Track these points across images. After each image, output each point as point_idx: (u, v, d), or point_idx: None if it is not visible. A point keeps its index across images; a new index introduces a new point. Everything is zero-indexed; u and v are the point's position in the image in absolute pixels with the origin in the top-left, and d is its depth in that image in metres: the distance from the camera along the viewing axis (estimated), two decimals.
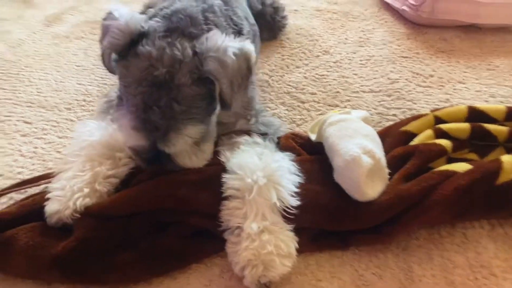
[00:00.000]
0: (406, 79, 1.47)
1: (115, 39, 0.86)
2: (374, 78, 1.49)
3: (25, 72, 1.51)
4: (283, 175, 0.89)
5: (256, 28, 1.39)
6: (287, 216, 0.87)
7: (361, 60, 1.59)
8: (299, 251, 0.88)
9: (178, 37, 0.87)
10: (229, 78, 0.85)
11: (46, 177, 0.99)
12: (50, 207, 0.87)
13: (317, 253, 0.92)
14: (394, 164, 0.98)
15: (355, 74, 1.51)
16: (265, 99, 1.39)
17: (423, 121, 1.10)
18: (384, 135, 1.09)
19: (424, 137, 1.05)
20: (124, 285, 0.85)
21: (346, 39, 1.73)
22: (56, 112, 1.32)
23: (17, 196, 1.01)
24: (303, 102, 1.38)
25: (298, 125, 1.29)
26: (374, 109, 1.34)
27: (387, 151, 1.02)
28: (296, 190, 0.89)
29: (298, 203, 0.87)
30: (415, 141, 1.04)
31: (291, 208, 0.86)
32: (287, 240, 0.84)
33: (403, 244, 0.93)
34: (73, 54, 1.61)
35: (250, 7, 1.57)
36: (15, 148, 1.18)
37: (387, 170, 0.95)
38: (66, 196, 0.87)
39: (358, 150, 0.88)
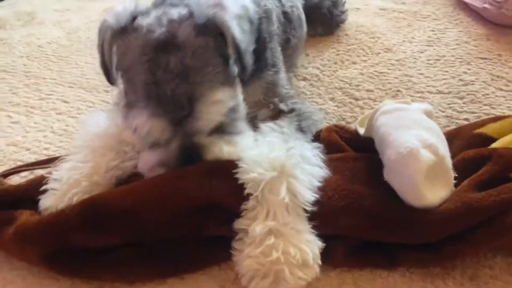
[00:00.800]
0: (484, 82, 1.25)
1: (115, 22, 0.78)
2: (444, 79, 1.28)
3: (74, 56, 1.52)
4: (298, 165, 0.74)
5: (298, 12, 1.28)
6: (322, 219, 0.71)
7: (428, 60, 1.39)
8: (334, 265, 0.72)
9: (170, 6, 0.80)
10: (237, 21, 0.76)
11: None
12: (45, 201, 0.78)
13: (356, 270, 0.74)
14: (463, 168, 0.78)
15: (421, 74, 1.32)
16: (312, 94, 1.25)
17: (506, 124, 0.89)
18: (452, 136, 0.89)
19: (506, 142, 0.84)
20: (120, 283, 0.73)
21: (412, 38, 1.54)
22: (94, 93, 1.29)
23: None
24: (356, 99, 1.22)
25: (347, 123, 1.13)
26: (442, 111, 1.14)
27: (455, 154, 0.82)
28: (317, 183, 0.73)
29: (316, 197, 0.71)
30: (493, 146, 0.83)
31: (308, 205, 0.71)
32: (301, 244, 0.67)
33: (470, 271, 0.73)
34: None
35: None
36: (48, 124, 1.16)
37: (452, 174, 0.76)
38: (62, 190, 0.78)
39: (416, 142, 0.70)
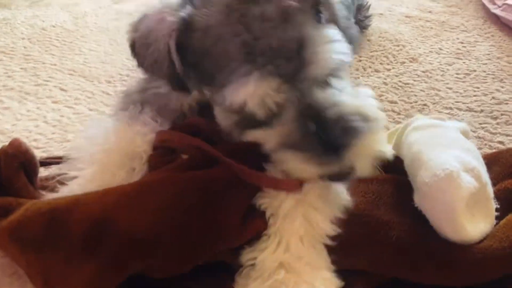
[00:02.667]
0: None
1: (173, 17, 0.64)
2: (475, 96, 1.18)
3: (79, 41, 1.43)
4: (321, 192, 0.63)
5: None
6: (340, 250, 0.61)
7: (457, 74, 1.29)
8: None
9: None
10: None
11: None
12: None
13: None
14: (505, 200, 0.68)
15: (449, 88, 1.22)
16: None
17: None
18: (490, 162, 0.78)
19: None
20: None
21: (440, 49, 1.44)
22: (95, 83, 1.20)
23: None
24: None
25: None
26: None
27: (493, 183, 0.72)
28: (340, 215, 0.63)
29: (338, 231, 0.61)
30: None
31: (328, 239, 0.61)
32: (316, 282, 0.57)
33: None
34: None
35: None
36: (41, 113, 1.06)
37: (494, 205, 0.65)
38: None
39: (456, 164, 0.60)
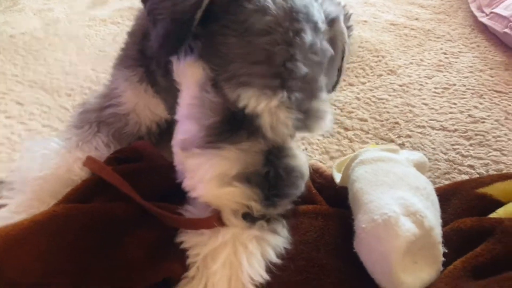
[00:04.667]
0: (496, 121, 1.08)
1: None
2: (450, 113, 1.12)
3: (45, 50, 1.38)
4: (258, 236, 0.60)
5: None
6: None
7: (436, 88, 1.23)
8: None
9: None
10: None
11: None
12: None
13: None
14: (457, 242, 0.63)
15: (425, 104, 1.16)
16: None
17: None
18: (449, 193, 0.73)
19: None
20: None
21: (421, 60, 1.37)
22: (55, 97, 1.15)
23: None
24: (346, 129, 1.06)
25: (332, 158, 0.97)
26: (444, 153, 0.98)
27: (450, 219, 0.67)
28: (276, 259, 0.59)
29: (266, 278, 0.57)
30: (499, 213, 0.67)
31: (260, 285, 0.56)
32: None
33: None
34: (101, 39, 1.46)
35: None
36: None
37: (441, 249, 0.60)
38: None
39: (396, 209, 0.55)
